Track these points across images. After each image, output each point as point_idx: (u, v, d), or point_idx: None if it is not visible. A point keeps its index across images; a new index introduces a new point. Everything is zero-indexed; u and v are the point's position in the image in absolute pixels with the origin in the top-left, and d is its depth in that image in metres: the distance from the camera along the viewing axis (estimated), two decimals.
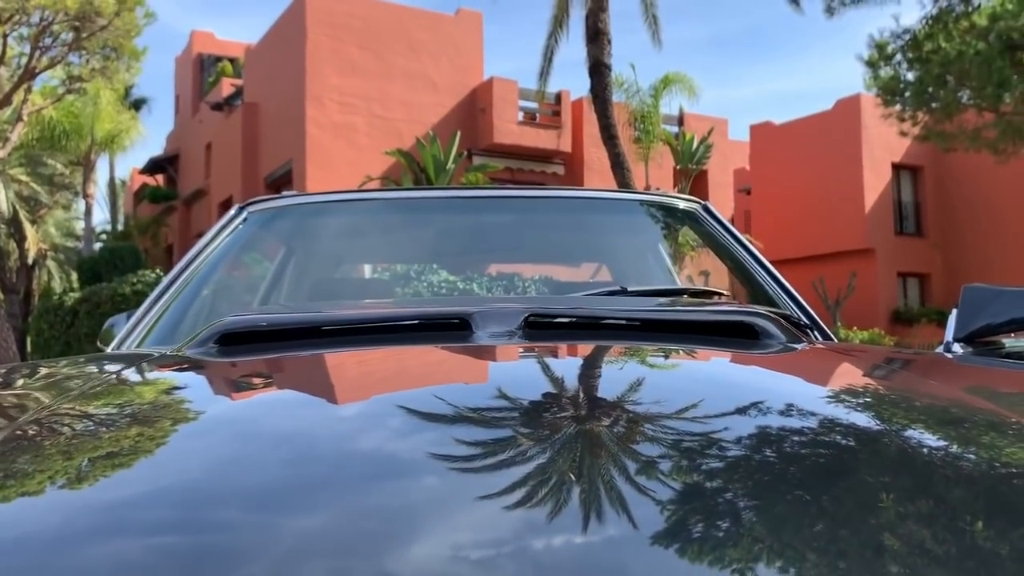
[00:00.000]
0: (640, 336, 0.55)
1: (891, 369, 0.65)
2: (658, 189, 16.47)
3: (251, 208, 1.73)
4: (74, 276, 21.33)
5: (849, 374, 0.55)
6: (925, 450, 0.43)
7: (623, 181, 13.99)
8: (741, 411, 0.46)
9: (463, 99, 19.41)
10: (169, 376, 0.55)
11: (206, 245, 1.62)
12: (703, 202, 1.81)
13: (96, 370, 0.61)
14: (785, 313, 1.34)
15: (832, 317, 18.52)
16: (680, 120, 19.84)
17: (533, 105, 19.87)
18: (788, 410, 0.46)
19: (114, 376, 0.55)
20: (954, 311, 1.73)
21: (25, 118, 12.92)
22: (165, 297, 1.51)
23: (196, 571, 0.32)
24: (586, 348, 0.52)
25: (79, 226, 32.69)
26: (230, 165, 21.31)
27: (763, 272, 1.62)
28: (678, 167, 17.21)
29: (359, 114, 18.09)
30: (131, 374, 0.55)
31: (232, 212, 1.71)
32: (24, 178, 20.28)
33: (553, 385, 0.48)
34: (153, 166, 27.83)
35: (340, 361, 0.54)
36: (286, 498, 0.36)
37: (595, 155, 18.76)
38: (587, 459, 0.39)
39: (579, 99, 19.63)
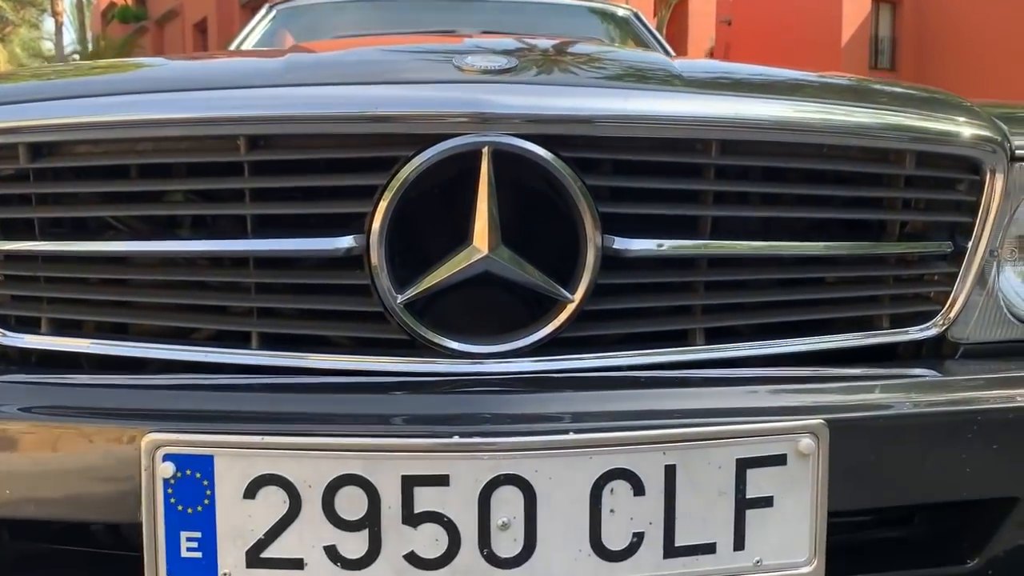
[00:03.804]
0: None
1: None
2: None
3: (278, 7, 2.34)
4: None
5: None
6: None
7: None
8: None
9: None
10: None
11: (247, 35, 2.24)
12: (635, 10, 2.43)
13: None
14: None
15: None
16: None
17: None
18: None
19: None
20: None
21: None
22: None
23: None
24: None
25: (45, 46, 31.76)
26: None
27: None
28: None
29: None
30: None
31: (263, 11, 2.33)
32: None
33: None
34: None
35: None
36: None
37: None
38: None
39: None
